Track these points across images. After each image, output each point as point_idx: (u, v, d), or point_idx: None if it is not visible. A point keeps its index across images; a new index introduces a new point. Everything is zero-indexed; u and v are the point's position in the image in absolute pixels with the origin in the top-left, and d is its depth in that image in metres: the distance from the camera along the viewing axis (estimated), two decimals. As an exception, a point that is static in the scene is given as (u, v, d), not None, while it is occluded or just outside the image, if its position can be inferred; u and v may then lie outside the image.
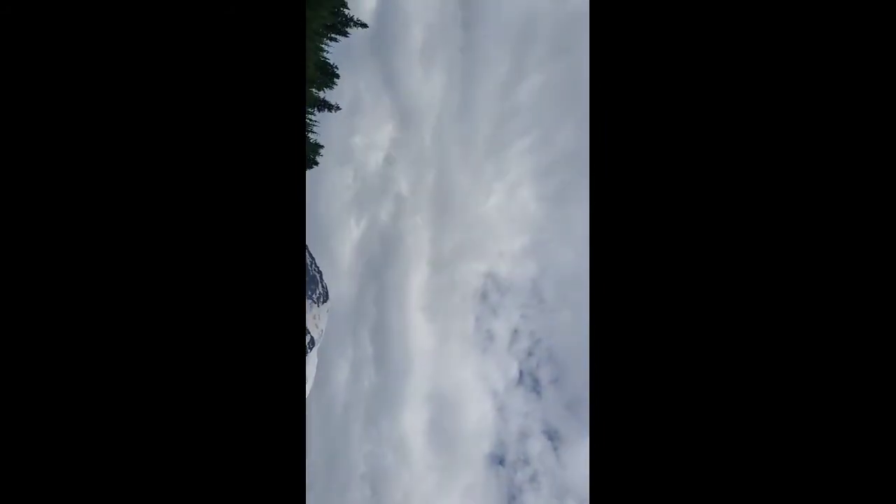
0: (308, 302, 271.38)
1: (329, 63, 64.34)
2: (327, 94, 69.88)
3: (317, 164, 78.83)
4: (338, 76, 65.77)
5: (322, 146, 73.74)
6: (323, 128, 76.09)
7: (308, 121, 67.19)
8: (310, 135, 69.33)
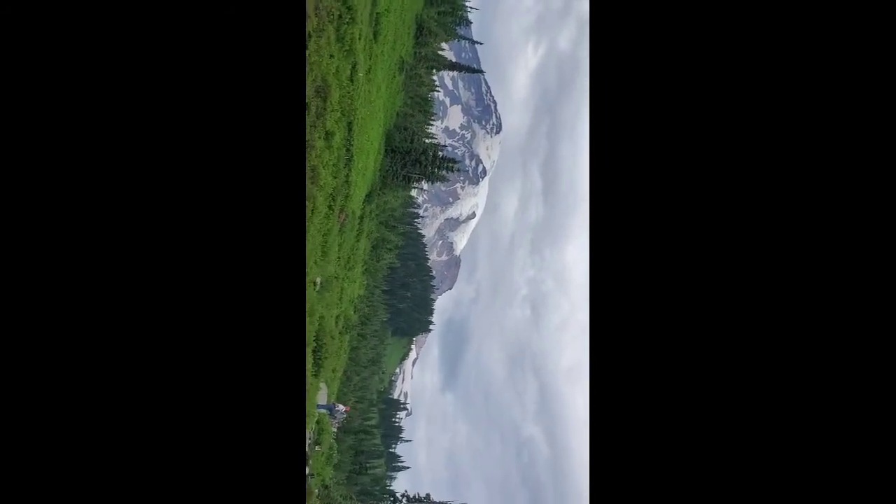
0: (482, 132, 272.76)
1: None
2: None
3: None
4: None
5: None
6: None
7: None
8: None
